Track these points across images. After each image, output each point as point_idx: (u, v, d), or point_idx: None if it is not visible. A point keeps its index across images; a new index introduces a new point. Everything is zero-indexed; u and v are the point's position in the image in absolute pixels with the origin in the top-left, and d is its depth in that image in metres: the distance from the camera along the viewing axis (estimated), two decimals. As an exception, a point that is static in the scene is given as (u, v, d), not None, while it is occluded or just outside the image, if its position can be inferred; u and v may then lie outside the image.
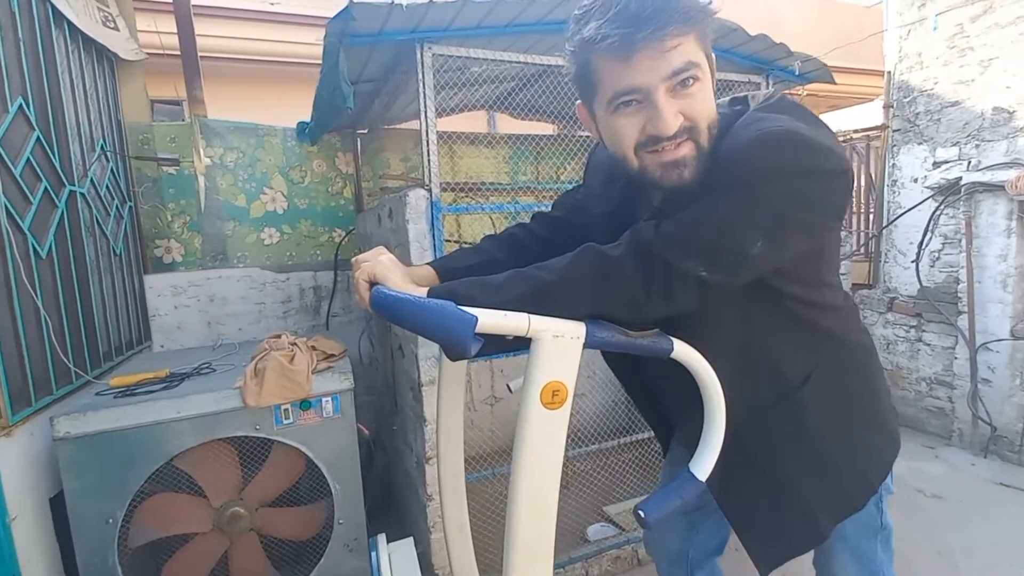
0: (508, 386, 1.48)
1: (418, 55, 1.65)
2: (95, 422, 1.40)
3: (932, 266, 3.34)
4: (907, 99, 3.44)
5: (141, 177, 2.49)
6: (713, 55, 0.74)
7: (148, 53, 3.97)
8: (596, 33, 0.66)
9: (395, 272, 0.78)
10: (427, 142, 1.68)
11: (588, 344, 0.71)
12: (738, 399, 0.80)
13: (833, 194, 0.70)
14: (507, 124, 4.48)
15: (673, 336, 0.75)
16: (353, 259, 0.89)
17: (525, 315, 0.68)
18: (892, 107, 3.53)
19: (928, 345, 3.34)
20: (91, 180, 1.98)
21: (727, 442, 0.78)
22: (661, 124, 0.68)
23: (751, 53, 2.10)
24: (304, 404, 1.57)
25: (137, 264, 2.41)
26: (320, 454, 1.61)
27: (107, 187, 2.14)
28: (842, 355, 0.87)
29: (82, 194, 1.87)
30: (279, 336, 1.69)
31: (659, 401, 1.06)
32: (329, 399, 1.59)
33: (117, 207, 2.22)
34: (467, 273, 0.96)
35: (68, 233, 1.72)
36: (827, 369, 0.85)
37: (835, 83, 2.30)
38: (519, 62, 1.78)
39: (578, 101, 0.82)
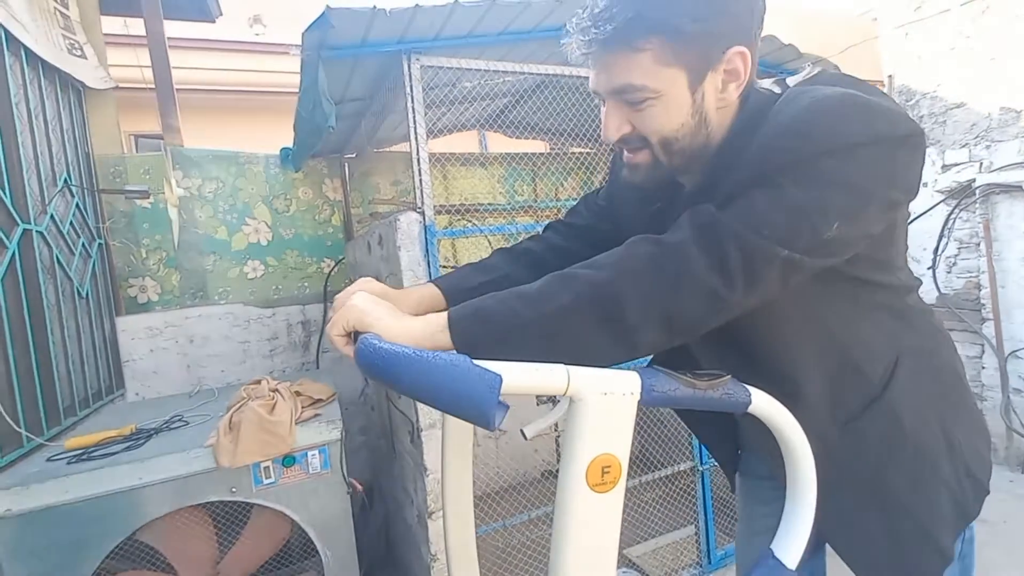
0: (523, 432, 1.29)
1: (405, 67, 1.51)
2: (40, 495, 1.20)
3: (949, 272, 3.20)
4: (909, 102, 3.36)
5: (113, 212, 2.33)
6: (726, 53, 0.63)
7: (131, 88, 3.86)
8: (569, 31, 0.65)
9: (377, 311, 0.59)
10: (418, 160, 1.52)
11: (645, 400, 0.54)
12: (829, 416, 0.70)
13: (909, 162, 0.61)
14: (499, 144, 4.37)
15: (744, 353, 0.58)
16: (336, 298, 0.73)
17: (562, 368, 0.51)
18: (894, 111, 3.45)
19: (952, 355, 3.18)
20: (51, 217, 1.81)
21: (824, 468, 0.64)
22: (603, 131, 0.69)
23: (759, 57, 1.98)
24: (287, 460, 1.37)
25: (108, 306, 2.23)
26: (307, 516, 1.41)
27: (71, 224, 1.97)
28: (920, 342, 0.75)
29: (40, 232, 1.69)
30: (259, 382, 1.51)
31: (732, 431, 0.90)
32: (316, 452, 1.40)
33: (84, 245, 2.05)
34: (481, 292, 0.82)
35: (21, 276, 1.54)
36: (909, 361, 0.72)
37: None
38: (516, 72, 1.64)
39: None
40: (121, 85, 3.30)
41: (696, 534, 2.15)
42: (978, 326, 2.99)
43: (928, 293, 3.29)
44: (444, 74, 1.64)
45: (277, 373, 2.51)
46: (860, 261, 0.66)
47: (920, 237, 3.33)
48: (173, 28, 4.15)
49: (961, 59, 3.06)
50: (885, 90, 3.54)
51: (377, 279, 1.00)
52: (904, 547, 0.72)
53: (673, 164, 0.68)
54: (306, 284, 2.68)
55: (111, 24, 3.81)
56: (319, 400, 1.54)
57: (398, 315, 0.60)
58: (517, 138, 3.02)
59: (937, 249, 3.20)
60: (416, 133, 1.52)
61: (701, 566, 2.10)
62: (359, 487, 1.45)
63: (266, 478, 1.36)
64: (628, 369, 0.54)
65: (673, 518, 2.32)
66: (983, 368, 2.98)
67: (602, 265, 0.57)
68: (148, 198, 2.19)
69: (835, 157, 0.56)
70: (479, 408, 0.46)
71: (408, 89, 1.51)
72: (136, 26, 3.02)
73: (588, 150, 2.83)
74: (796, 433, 0.60)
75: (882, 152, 0.57)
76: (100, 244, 2.19)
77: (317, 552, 1.44)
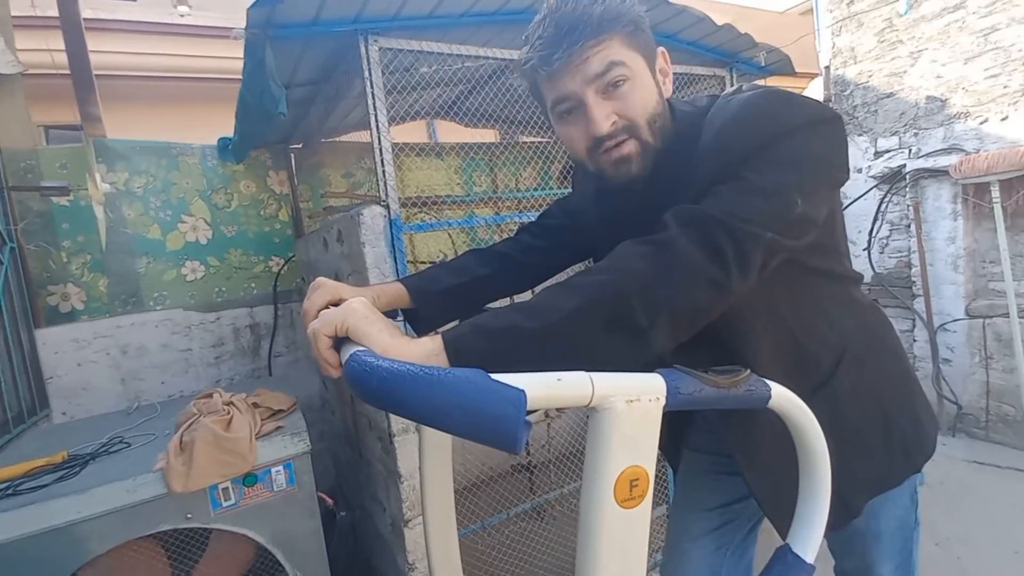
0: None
1: (362, 49, 1.40)
2: (-43, 541, 1.05)
3: (882, 252, 3.42)
4: (844, 93, 3.53)
5: (25, 212, 2.07)
6: (657, 49, 0.73)
7: (40, 74, 3.46)
8: (525, 56, 0.71)
9: (378, 324, 0.53)
10: (380, 150, 1.43)
11: (670, 404, 0.50)
12: None
13: (839, 140, 0.68)
14: (449, 133, 4.26)
15: (711, 350, 0.60)
16: (309, 289, 0.69)
17: (586, 376, 0.46)
18: (831, 101, 3.62)
19: (887, 330, 3.41)
20: (-50, 219, 1.58)
21: (769, 446, 0.73)
22: (593, 126, 0.69)
23: (716, 45, 2.01)
24: (249, 479, 1.26)
25: (25, 317, 1.99)
26: (273, 537, 1.31)
27: (-25, 226, 1.73)
28: (867, 334, 0.82)
29: (-64, 237, 1.48)
30: (210, 395, 1.38)
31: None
32: (280, 468, 1.30)
33: (-9, 250, 1.81)
34: (450, 295, 0.79)
35: (-85, 288, 1.34)
36: (855, 352, 0.80)
37: (796, 74, 2.25)
38: (477, 56, 1.57)
39: None
40: (29, 71, 2.96)
41: (667, 515, 2.19)
42: (909, 302, 3.21)
43: (864, 272, 3.51)
44: (402, 58, 1.55)
45: (225, 382, 2.33)
46: (811, 248, 0.70)
47: (856, 220, 3.53)
48: (88, 9, 3.76)
49: (890, 52, 3.24)
50: (821, 81, 3.71)
51: (337, 278, 0.92)
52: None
53: (657, 147, 0.71)
54: (253, 285, 2.51)
55: (15, 4, 3.40)
56: (280, 411, 1.43)
57: (396, 334, 0.53)
58: (472, 127, 2.94)
59: (872, 231, 3.40)
60: (377, 120, 1.43)
61: (673, 548, 2.15)
62: (330, 501, 1.36)
63: (225, 500, 1.25)
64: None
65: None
66: (915, 340, 3.21)
67: (600, 270, 0.57)
68: (68, 195, 1.96)
69: (781, 142, 0.63)
70: (504, 429, 0.40)
71: (367, 73, 1.41)
72: (45, 6, 2.69)
73: (541, 139, 2.80)
74: (813, 427, 0.59)
75: (817, 132, 0.64)
76: (12, 248, 1.94)
77: (286, 573, 1.34)
